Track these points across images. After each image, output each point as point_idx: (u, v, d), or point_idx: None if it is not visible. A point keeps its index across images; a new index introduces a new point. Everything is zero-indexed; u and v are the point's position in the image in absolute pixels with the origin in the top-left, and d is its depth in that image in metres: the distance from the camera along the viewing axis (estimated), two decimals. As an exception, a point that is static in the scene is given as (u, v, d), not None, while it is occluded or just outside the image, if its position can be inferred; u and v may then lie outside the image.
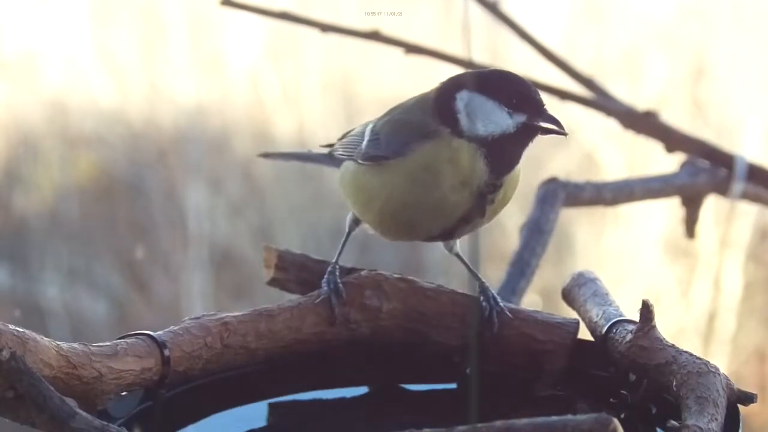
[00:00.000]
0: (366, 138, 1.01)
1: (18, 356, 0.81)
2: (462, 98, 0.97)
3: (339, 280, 0.99)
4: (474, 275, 1.02)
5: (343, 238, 1.04)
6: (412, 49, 1.42)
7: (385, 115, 1.03)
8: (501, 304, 1.00)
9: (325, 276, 1.00)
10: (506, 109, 0.96)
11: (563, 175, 1.41)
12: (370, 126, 1.02)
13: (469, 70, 1.03)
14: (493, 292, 1.01)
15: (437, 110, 0.97)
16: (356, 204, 1.01)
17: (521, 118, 0.96)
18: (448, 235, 1.00)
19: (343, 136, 1.07)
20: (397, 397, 1.01)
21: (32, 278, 3.07)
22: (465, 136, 0.96)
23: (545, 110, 0.96)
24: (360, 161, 1.00)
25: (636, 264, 3.05)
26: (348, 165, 1.02)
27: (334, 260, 1.01)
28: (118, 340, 0.91)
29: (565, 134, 0.96)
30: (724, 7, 3.20)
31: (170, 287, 3.11)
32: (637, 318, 0.93)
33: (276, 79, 3.26)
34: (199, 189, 3.17)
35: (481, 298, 1.00)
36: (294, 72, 3.27)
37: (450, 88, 0.98)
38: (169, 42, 3.27)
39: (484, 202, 0.97)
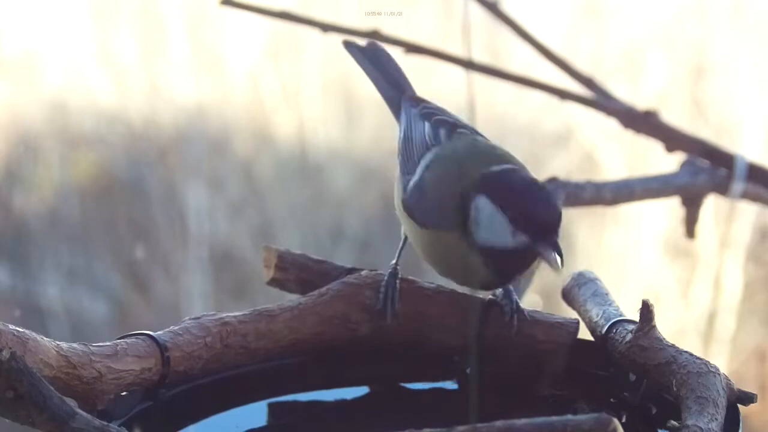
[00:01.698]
0: (418, 172, 0.99)
1: (18, 356, 0.81)
2: (476, 205, 0.94)
3: (398, 287, 0.99)
4: None
5: (401, 243, 1.03)
6: (412, 49, 1.42)
7: (444, 153, 0.99)
8: (522, 306, 1.00)
9: (385, 278, 0.99)
10: (511, 226, 0.92)
11: (563, 175, 1.41)
12: (430, 156, 0.99)
13: (498, 170, 0.96)
14: (516, 296, 1.00)
15: (459, 206, 0.94)
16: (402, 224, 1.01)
17: (522, 238, 0.92)
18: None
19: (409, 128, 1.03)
20: (397, 397, 1.00)
21: (32, 278, 3.07)
22: (470, 241, 0.93)
23: (551, 235, 0.91)
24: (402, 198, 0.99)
25: (636, 264, 3.05)
26: (398, 181, 1.01)
27: (394, 261, 1.00)
28: (118, 340, 0.92)
29: (558, 268, 0.91)
30: (724, 7, 3.20)
31: (170, 287, 3.11)
32: (637, 318, 0.93)
33: (276, 79, 3.26)
34: (199, 189, 3.17)
35: (505, 300, 1.00)
36: (294, 72, 3.27)
37: (476, 188, 0.94)
38: (169, 42, 3.27)
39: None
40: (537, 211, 0.92)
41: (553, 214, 0.92)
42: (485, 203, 0.93)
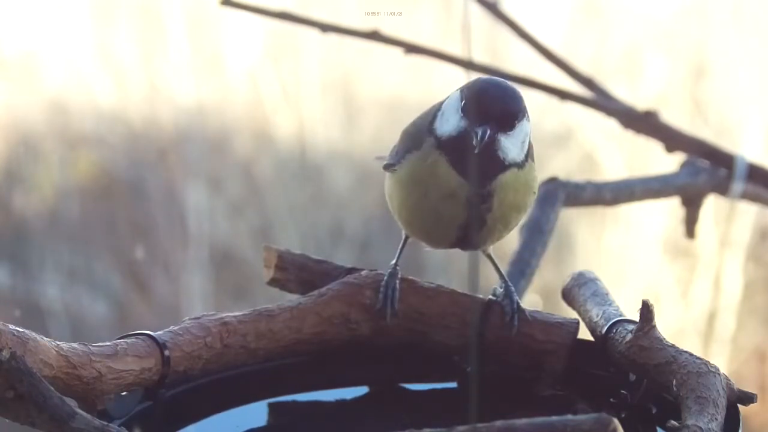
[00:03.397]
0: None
1: (18, 356, 0.81)
2: (449, 98, 0.97)
3: (398, 287, 0.99)
4: (501, 276, 1.02)
5: (401, 243, 1.03)
6: (412, 49, 1.42)
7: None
8: (523, 306, 0.99)
9: (385, 278, 1.00)
10: (460, 112, 0.95)
11: (563, 175, 1.41)
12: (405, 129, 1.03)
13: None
14: (516, 296, 1.00)
15: (433, 117, 0.98)
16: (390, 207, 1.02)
17: (464, 123, 0.95)
18: (466, 244, 0.99)
19: None
20: (397, 397, 1.01)
21: (32, 278, 3.07)
22: (437, 142, 0.96)
23: (488, 121, 0.93)
24: (383, 167, 1.01)
25: (636, 264, 3.05)
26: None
27: (394, 261, 1.01)
28: (118, 340, 0.91)
29: (475, 146, 0.93)
30: (724, 7, 3.20)
31: (170, 287, 3.11)
32: (637, 318, 0.93)
33: (276, 79, 3.26)
34: (199, 189, 3.17)
35: (506, 300, 1.00)
36: (294, 72, 3.27)
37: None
38: (169, 42, 3.27)
39: (479, 211, 0.96)
40: (483, 101, 0.94)
41: (497, 104, 0.94)
42: (454, 96, 0.97)
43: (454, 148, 0.95)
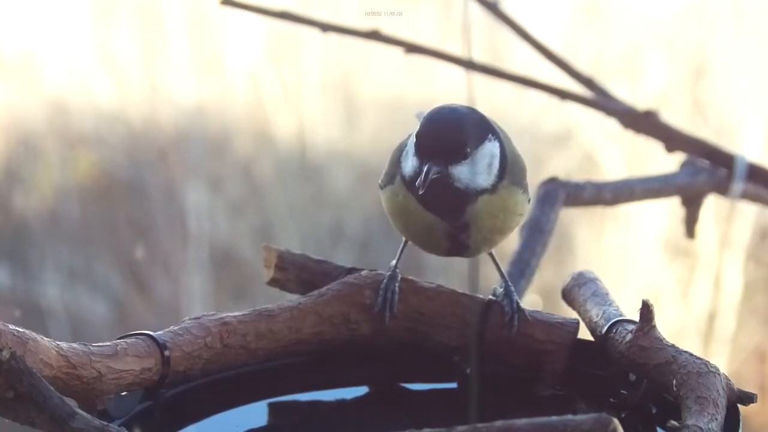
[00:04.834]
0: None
1: (18, 356, 0.81)
2: (411, 138, 0.95)
3: (397, 289, 0.99)
4: (501, 275, 1.02)
5: (401, 244, 1.03)
6: (412, 49, 1.42)
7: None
8: (523, 306, 0.99)
9: (384, 281, 0.99)
10: (415, 151, 0.93)
11: (563, 175, 1.41)
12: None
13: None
14: (516, 296, 1.00)
15: (402, 150, 0.96)
16: None
17: (416, 162, 0.92)
18: (460, 254, 0.98)
19: None
20: (397, 397, 1.01)
21: (32, 278, 3.07)
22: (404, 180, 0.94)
23: (431, 157, 0.91)
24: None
25: (636, 264, 3.05)
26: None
27: (393, 263, 1.00)
28: (118, 340, 0.91)
29: (420, 188, 0.90)
30: (724, 7, 3.20)
31: (170, 287, 3.11)
32: (637, 318, 0.93)
33: (276, 79, 3.26)
34: (199, 189, 3.17)
35: (505, 300, 1.00)
36: (294, 72, 3.27)
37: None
38: (169, 42, 3.27)
39: (460, 238, 0.95)
40: (426, 137, 0.92)
41: (440, 139, 0.92)
42: (413, 136, 0.95)
43: (415, 187, 0.92)
